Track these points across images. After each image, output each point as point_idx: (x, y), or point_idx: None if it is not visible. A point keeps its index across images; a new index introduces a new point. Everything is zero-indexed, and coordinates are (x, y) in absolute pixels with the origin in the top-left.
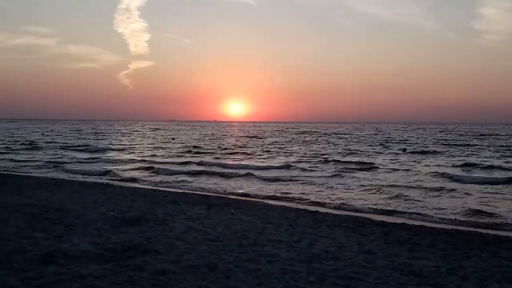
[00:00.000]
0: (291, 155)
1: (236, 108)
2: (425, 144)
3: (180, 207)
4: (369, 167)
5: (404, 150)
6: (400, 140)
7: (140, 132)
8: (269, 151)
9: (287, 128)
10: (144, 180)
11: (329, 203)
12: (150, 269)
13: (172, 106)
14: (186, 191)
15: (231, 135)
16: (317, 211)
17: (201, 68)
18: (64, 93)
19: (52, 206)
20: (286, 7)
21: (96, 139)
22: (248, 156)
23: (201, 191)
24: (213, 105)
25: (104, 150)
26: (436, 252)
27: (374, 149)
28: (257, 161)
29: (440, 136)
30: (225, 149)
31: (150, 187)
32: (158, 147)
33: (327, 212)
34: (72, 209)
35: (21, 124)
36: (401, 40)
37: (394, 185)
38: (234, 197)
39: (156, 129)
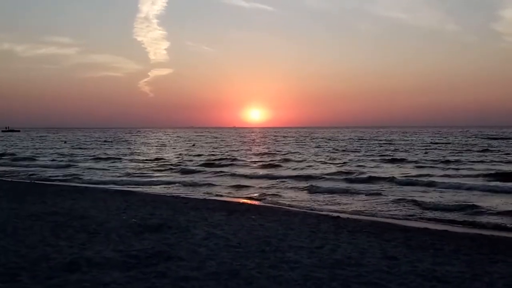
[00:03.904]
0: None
1: (255, 114)
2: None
3: (201, 214)
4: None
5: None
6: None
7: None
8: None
9: (311, 134)
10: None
11: (351, 209)
12: (173, 276)
13: (192, 113)
14: (207, 197)
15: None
16: (338, 216)
17: (220, 75)
18: (85, 102)
19: (75, 214)
20: (305, 13)
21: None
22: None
23: (222, 198)
24: (232, 112)
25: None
26: (460, 258)
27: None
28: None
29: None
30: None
31: (170, 194)
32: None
33: (348, 218)
34: (95, 216)
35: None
36: (421, 43)
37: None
38: (254, 203)
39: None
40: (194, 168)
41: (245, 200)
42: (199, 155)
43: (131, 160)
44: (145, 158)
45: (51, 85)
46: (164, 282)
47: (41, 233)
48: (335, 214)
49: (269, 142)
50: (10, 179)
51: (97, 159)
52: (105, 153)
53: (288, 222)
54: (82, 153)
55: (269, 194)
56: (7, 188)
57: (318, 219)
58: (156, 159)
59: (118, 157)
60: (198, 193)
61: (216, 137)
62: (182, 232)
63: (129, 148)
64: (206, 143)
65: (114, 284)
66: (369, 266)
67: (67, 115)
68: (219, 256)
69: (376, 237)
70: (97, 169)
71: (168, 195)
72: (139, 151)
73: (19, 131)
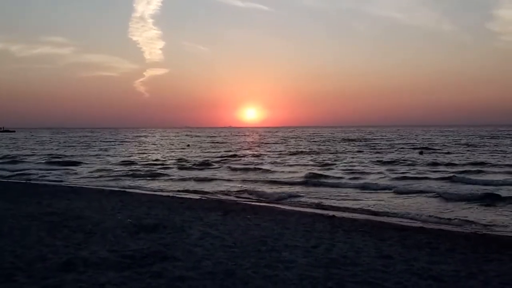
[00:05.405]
0: None
1: (250, 114)
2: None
3: (197, 214)
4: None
5: (421, 153)
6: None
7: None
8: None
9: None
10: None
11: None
12: (169, 276)
13: (187, 112)
14: (203, 197)
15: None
16: (333, 216)
17: (216, 75)
18: (81, 102)
19: (71, 214)
20: (301, 12)
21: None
22: None
23: (218, 197)
24: (228, 112)
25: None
26: (455, 256)
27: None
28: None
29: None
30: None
31: (166, 194)
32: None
33: (343, 217)
34: (91, 216)
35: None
36: (418, 43)
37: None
38: (250, 202)
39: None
40: (154, 172)
41: (241, 200)
42: (177, 157)
43: (95, 162)
44: (115, 161)
45: (47, 85)
46: (160, 282)
47: (37, 234)
48: (331, 213)
49: (259, 143)
50: (5, 180)
51: (67, 161)
52: (82, 154)
53: (284, 221)
54: (60, 153)
55: None
56: (2, 189)
57: (313, 219)
58: (124, 161)
59: (87, 159)
60: None
61: (211, 137)
62: (177, 232)
63: (108, 149)
64: (200, 142)
65: (109, 284)
66: (365, 265)
67: (62, 115)
68: (215, 256)
69: (371, 236)
70: (52, 170)
71: (164, 195)
72: (113, 152)
73: (14, 131)
